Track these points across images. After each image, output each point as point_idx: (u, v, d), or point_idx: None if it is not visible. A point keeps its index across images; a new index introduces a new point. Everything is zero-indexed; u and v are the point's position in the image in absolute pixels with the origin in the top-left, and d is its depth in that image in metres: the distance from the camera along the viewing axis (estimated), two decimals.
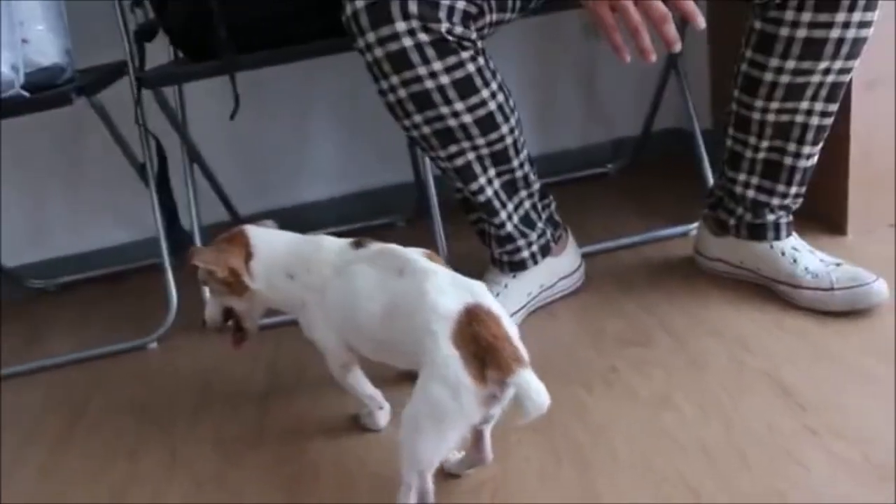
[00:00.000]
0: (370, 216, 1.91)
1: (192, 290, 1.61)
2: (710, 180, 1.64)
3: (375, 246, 1.09)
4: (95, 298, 1.91)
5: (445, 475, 1.08)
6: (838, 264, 1.31)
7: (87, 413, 1.42)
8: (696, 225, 1.58)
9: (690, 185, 1.79)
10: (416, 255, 1.03)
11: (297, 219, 1.95)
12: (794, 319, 1.31)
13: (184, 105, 1.64)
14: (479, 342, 0.90)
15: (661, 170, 2.00)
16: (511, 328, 0.93)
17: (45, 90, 1.48)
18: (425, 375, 0.93)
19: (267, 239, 1.18)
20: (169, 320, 1.61)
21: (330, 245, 1.14)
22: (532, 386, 0.87)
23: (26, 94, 1.43)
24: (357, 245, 1.11)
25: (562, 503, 1.02)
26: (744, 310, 1.36)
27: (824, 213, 1.52)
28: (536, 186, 1.38)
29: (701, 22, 1.04)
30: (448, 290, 0.95)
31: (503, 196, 1.34)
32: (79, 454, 1.31)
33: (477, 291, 0.95)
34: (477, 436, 1.03)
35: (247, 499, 1.13)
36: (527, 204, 1.37)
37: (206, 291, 1.25)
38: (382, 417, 1.21)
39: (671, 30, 1.04)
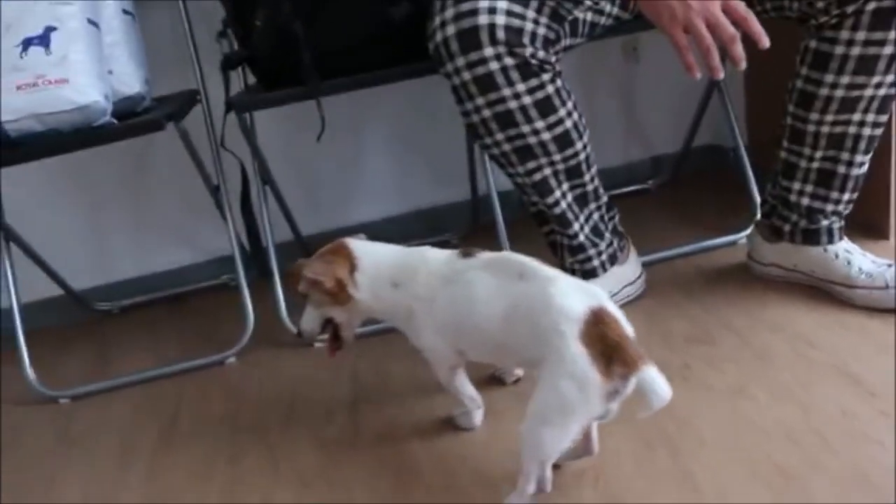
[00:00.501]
0: (424, 234, 1.98)
1: (266, 307, 1.71)
2: (755, 192, 1.74)
3: (487, 254, 1.17)
4: (160, 319, 1.97)
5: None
6: (890, 265, 1.40)
7: (179, 424, 1.49)
8: (743, 234, 1.69)
9: (731, 197, 1.89)
10: (533, 261, 1.11)
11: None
12: (852, 317, 1.40)
13: (255, 130, 1.72)
14: (605, 341, 0.98)
15: (699, 185, 2.11)
16: (629, 329, 1.01)
17: (126, 118, 1.57)
18: (553, 372, 1.00)
19: (369, 250, 1.25)
20: (246, 335, 1.67)
21: (436, 256, 1.22)
22: (656, 380, 0.96)
23: (115, 121, 1.52)
24: (465, 255, 1.18)
25: (660, 485, 1.10)
26: (802, 309, 1.45)
27: (867, 219, 1.61)
28: (604, 199, 1.47)
29: (766, 42, 1.15)
30: (572, 293, 1.03)
31: (576, 208, 1.43)
32: (181, 460, 1.37)
33: (598, 295, 1.03)
34: (586, 429, 1.10)
35: (356, 496, 1.19)
36: (595, 216, 1.46)
37: (308, 303, 1.29)
38: (478, 417, 1.29)
39: (739, 49, 1.15)
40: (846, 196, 1.42)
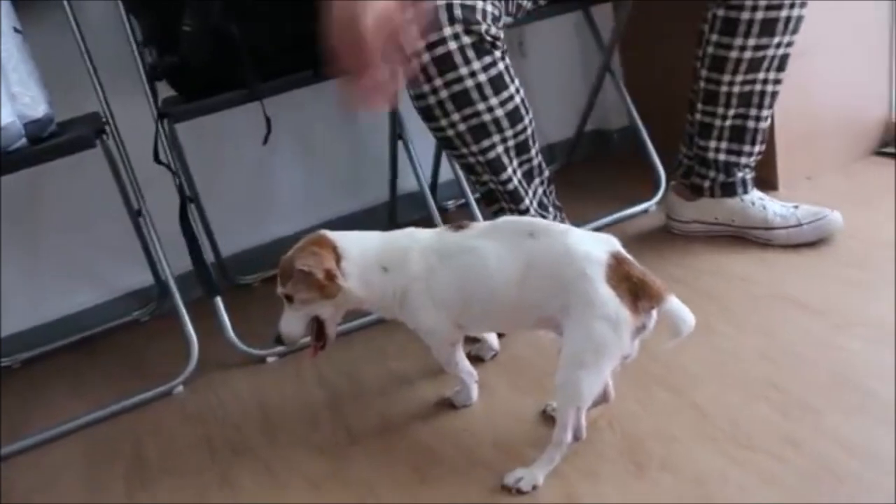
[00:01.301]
0: None
1: (203, 331, 1.62)
2: (658, 162, 1.89)
3: (482, 223, 1.19)
4: (74, 365, 1.80)
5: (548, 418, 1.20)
6: (796, 206, 1.58)
7: (146, 459, 1.37)
8: (654, 201, 1.85)
9: (627, 173, 2.05)
10: (537, 219, 1.15)
11: (270, 254, 1.99)
12: (774, 254, 1.57)
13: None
14: (630, 279, 1.04)
15: (594, 166, 2.25)
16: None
17: (34, 143, 1.44)
18: (584, 317, 1.04)
19: (352, 238, 1.23)
20: (193, 361, 1.57)
21: (425, 234, 1.22)
22: (681, 308, 1.03)
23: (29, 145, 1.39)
24: (457, 228, 1.20)
25: (672, 419, 1.17)
26: (729, 254, 1.60)
27: (758, 174, 1.79)
28: (546, 174, 1.54)
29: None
30: (589, 241, 1.08)
31: (525, 183, 1.48)
32: (162, 495, 1.27)
33: (611, 240, 1.09)
34: None
35: (378, 488, 1.16)
36: (540, 190, 1.53)
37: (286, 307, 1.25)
38: (475, 392, 1.30)
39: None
40: (756, 148, 1.59)
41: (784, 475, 1.02)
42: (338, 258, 1.21)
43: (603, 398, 1.17)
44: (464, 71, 1.31)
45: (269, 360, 1.58)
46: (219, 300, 1.59)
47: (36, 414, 1.61)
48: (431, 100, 1.34)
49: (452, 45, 1.28)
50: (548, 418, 1.22)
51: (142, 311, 1.92)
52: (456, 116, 1.35)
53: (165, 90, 1.63)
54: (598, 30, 1.97)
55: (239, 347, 1.59)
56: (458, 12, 1.27)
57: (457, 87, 1.32)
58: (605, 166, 2.24)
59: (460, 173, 1.74)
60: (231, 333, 1.59)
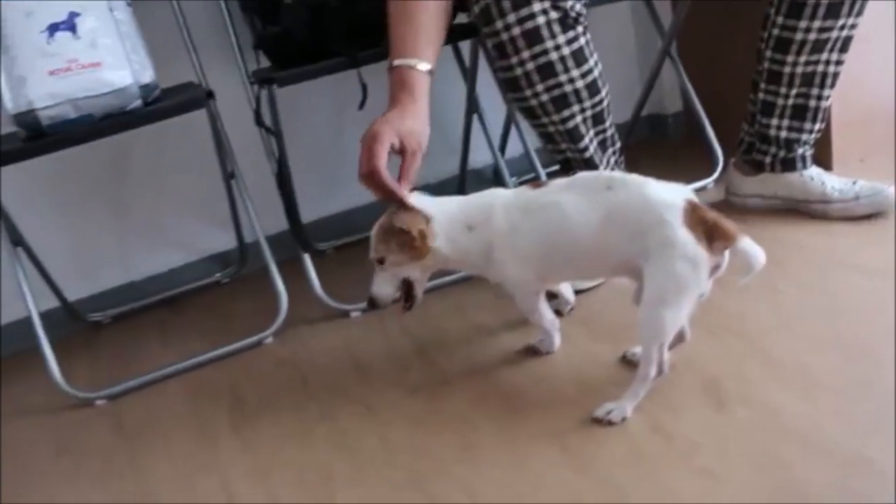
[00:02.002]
0: None
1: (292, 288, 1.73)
2: (715, 142, 1.99)
3: (561, 179, 1.29)
4: (161, 322, 1.92)
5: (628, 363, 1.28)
6: (854, 181, 1.67)
7: (246, 400, 1.48)
8: (712, 178, 1.94)
9: (681, 156, 2.14)
10: (615, 172, 1.25)
11: (340, 223, 2.10)
12: (832, 225, 1.66)
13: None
14: (705, 222, 1.14)
15: (648, 149, 2.34)
16: None
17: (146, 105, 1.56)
18: (664, 259, 1.14)
19: (436, 202, 1.32)
20: (282, 314, 1.68)
21: (506, 192, 1.32)
22: (753, 246, 1.14)
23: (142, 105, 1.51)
24: (536, 186, 1.30)
25: (745, 363, 1.27)
26: (790, 225, 1.69)
27: (814, 154, 1.88)
28: (618, 144, 1.64)
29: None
30: (665, 189, 1.18)
31: (599, 152, 1.58)
32: (267, 429, 1.37)
33: (684, 189, 1.19)
34: None
35: (476, 423, 1.26)
36: (612, 160, 1.63)
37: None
38: (558, 340, 1.40)
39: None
40: (817, 126, 1.68)
41: (856, 412, 1.11)
42: (426, 219, 1.28)
43: (680, 338, 1.27)
44: (549, 44, 1.41)
45: (353, 314, 1.69)
46: (307, 257, 1.69)
47: (132, 363, 1.72)
48: (518, 71, 1.44)
49: (541, 20, 1.38)
50: (627, 362, 1.33)
51: (223, 273, 2.03)
52: (540, 87, 1.45)
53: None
54: (658, 15, 2.06)
55: (326, 301, 1.69)
56: None
57: (542, 60, 1.42)
58: (661, 149, 2.33)
59: (530, 148, 1.84)
60: (318, 288, 1.70)
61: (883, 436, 1.05)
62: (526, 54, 1.41)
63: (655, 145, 2.39)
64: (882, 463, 1.01)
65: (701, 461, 1.08)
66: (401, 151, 1.28)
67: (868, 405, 1.12)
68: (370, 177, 1.25)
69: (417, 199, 1.31)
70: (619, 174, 1.25)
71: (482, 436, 1.23)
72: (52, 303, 1.83)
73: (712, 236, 1.13)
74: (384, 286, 1.33)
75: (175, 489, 1.27)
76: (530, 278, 1.32)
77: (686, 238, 1.13)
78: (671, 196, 1.17)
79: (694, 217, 1.14)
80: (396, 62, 1.32)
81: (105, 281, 1.98)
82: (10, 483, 1.39)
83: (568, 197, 1.25)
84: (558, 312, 1.50)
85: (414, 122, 1.29)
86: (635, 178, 1.22)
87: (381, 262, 1.31)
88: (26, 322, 1.63)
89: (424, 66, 1.30)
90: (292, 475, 1.24)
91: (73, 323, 1.89)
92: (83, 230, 1.95)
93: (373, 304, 1.34)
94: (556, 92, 1.46)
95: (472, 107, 1.81)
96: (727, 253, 1.15)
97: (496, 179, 2.15)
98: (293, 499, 1.19)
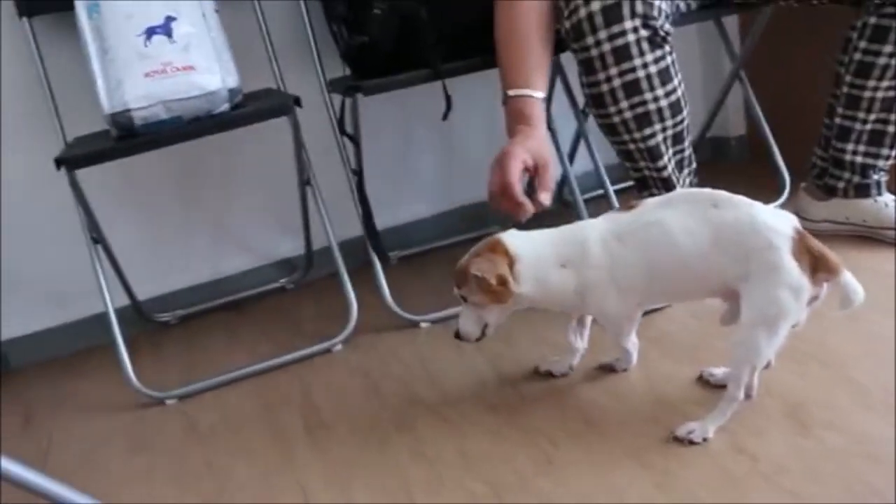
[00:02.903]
0: (470, 229, 2.05)
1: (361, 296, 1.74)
2: (783, 166, 1.99)
3: (653, 199, 1.26)
4: (228, 324, 1.94)
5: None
6: None
7: (320, 406, 1.49)
8: (780, 202, 1.93)
9: (744, 179, 2.12)
10: (717, 191, 1.23)
11: (403, 235, 2.11)
12: None
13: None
14: (812, 253, 1.13)
15: (709, 172, 2.33)
16: None
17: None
18: (768, 283, 1.13)
19: (525, 239, 1.29)
20: (352, 322, 1.69)
21: (598, 223, 1.28)
22: (853, 282, 1.13)
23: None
24: (628, 208, 1.27)
25: (829, 389, 1.25)
26: (863, 252, 1.67)
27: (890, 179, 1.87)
28: (694, 165, 1.64)
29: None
30: (775, 215, 1.17)
31: (677, 172, 1.59)
32: (341, 435, 1.38)
33: (791, 216, 1.18)
34: None
35: (553, 433, 1.26)
36: (688, 181, 1.63)
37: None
38: (636, 357, 1.39)
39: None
40: (894, 152, 1.67)
41: None
42: (511, 262, 1.26)
43: (766, 365, 1.26)
44: (637, 62, 1.42)
45: (423, 325, 1.70)
46: (379, 265, 1.71)
47: (200, 365, 1.75)
48: (604, 87, 1.45)
49: (631, 38, 1.40)
50: (704, 382, 1.32)
51: (288, 279, 2.06)
52: (624, 104, 1.47)
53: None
54: (728, 35, 2.07)
55: (395, 311, 1.71)
56: (639, 8, 1.38)
57: (629, 77, 1.43)
58: (723, 172, 2.33)
59: (600, 164, 1.85)
60: (389, 297, 1.72)
61: None
62: (614, 71, 1.43)
63: (718, 168, 2.39)
64: None
65: (788, 483, 1.07)
66: (533, 168, 1.34)
67: None
68: (504, 191, 1.30)
69: (509, 237, 1.29)
70: (723, 193, 1.22)
71: (562, 450, 1.23)
72: (122, 301, 1.85)
73: (817, 267, 1.13)
74: (469, 324, 1.32)
75: (252, 490, 1.29)
76: (631, 309, 1.31)
77: (792, 266, 1.12)
78: (781, 221, 1.16)
79: (801, 246, 1.14)
80: (512, 93, 1.35)
81: (171, 282, 2.02)
82: (82, 479, 1.40)
83: (670, 215, 1.22)
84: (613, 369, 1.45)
85: (539, 145, 1.35)
86: (742, 199, 1.20)
87: (464, 299, 1.31)
88: (97, 318, 1.66)
89: (539, 95, 1.33)
90: (370, 480, 1.24)
91: (140, 322, 1.92)
92: (153, 231, 1.99)
93: (459, 337, 1.33)
94: (640, 109, 1.47)
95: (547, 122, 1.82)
96: (826, 285, 1.15)
97: (560, 195, 2.17)
98: (371, 500, 1.19)
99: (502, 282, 1.24)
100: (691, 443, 1.18)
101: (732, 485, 1.09)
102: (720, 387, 1.28)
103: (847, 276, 1.14)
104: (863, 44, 1.59)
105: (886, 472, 1.06)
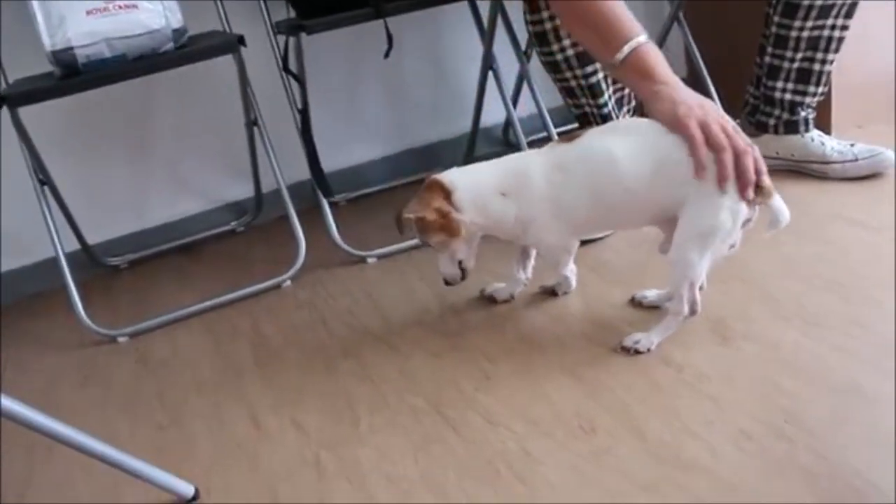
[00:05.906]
0: (418, 170, 2.07)
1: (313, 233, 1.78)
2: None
3: (595, 129, 1.29)
4: (178, 267, 1.97)
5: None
6: (852, 144, 1.74)
7: (269, 336, 1.54)
8: None
9: None
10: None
11: (353, 177, 2.14)
12: (830, 185, 1.74)
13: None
14: None
15: None
16: None
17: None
18: (706, 204, 1.17)
19: (462, 172, 1.32)
20: (300, 259, 1.73)
21: (538, 154, 1.30)
22: (782, 205, 1.20)
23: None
24: (570, 139, 1.29)
25: (744, 304, 1.33)
26: (788, 183, 1.75)
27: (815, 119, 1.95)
28: (633, 104, 1.70)
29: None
30: None
31: (616, 110, 1.65)
32: (294, 361, 1.43)
33: None
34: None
35: (493, 353, 1.33)
36: (627, 118, 1.69)
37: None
38: (574, 281, 1.45)
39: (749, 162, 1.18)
40: (820, 89, 1.75)
41: (855, 347, 1.18)
42: (448, 193, 1.29)
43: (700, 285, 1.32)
44: None
45: (370, 260, 1.75)
46: (326, 204, 1.74)
47: (152, 305, 1.77)
48: (548, 25, 1.50)
49: None
50: (636, 304, 1.39)
51: (238, 222, 2.08)
52: (566, 42, 1.51)
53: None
54: None
55: (343, 247, 1.75)
56: None
57: None
58: None
59: (543, 107, 1.89)
60: (336, 234, 1.76)
61: (881, 369, 1.12)
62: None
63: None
64: (877, 392, 1.08)
65: (709, 389, 1.15)
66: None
67: (865, 341, 1.19)
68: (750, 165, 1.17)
69: (445, 174, 1.32)
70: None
71: (500, 368, 1.29)
72: (72, 245, 1.86)
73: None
74: (447, 266, 1.37)
75: (203, 417, 1.33)
76: (569, 241, 1.35)
77: (731, 188, 1.17)
78: None
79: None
80: (628, 47, 1.23)
81: (121, 226, 2.03)
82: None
83: (615, 142, 1.23)
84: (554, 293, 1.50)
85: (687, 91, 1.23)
86: None
87: (429, 245, 1.34)
88: (48, 263, 1.67)
89: (644, 37, 1.25)
90: (317, 403, 1.30)
91: (91, 266, 1.94)
92: (100, 175, 1.99)
93: (447, 283, 1.38)
94: (582, 47, 1.52)
95: (488, 63, 1.85)
96: (758, 208, 1.20)
97: (505, 138, 2.22)
98: (320, 423, 1.24)
99: (443, 214, 1.27)
100: (636, 352, 1.25)
101: (658, 392, 1.17)
102: (653, 307, 1.37)
103: (777, 200, 1.20)
104: None
105: (796, 374, 1.14)
